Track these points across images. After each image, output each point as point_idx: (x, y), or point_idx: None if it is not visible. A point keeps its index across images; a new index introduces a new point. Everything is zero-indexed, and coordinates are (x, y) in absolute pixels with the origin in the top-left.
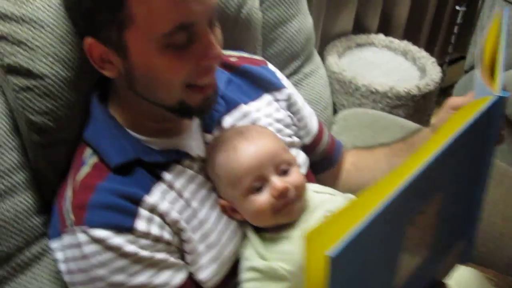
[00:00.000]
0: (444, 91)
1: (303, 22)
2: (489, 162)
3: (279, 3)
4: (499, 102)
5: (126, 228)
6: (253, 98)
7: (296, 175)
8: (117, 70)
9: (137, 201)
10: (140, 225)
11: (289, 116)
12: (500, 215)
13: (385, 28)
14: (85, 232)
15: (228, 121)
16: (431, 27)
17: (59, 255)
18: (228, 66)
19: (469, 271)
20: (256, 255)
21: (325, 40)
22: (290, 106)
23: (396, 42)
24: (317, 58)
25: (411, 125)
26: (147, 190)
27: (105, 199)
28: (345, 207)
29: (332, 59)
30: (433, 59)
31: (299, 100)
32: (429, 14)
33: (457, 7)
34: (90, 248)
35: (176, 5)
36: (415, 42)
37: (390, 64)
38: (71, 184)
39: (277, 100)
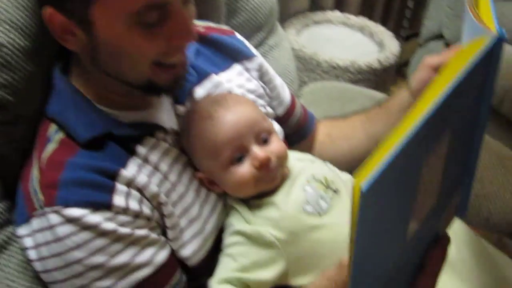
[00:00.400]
0: (399, 67)
1: None
2: (487, 108)
3: None
4: (499, 42)
5: (103, 205)
6: (222, 68)
7: (277, 143)
8: (80, 43)
9: (113, 175)
10: (118, 200)
11: (262, 86)
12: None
13: (341, 4)
14: (57, 212)
15: (199, 92)
16: (385, 3)
17: (28, 242)
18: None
19: (459, 224)
20: (242, 219)
21: (282, 18)
22: (262, 75)
23: (352, 18)
24: (280, 30)
25: (379, 95)
26: (123, 164)
27: (78, 175)
28: (379, 147)
29: (291, 36)
30: (390, 33)
31: (270, 69)
32: None
33: None
34: (64, 229)
35: None
36: (370, 18)
37: (348, 40)
38: (36, 163)
39: (247, 70)
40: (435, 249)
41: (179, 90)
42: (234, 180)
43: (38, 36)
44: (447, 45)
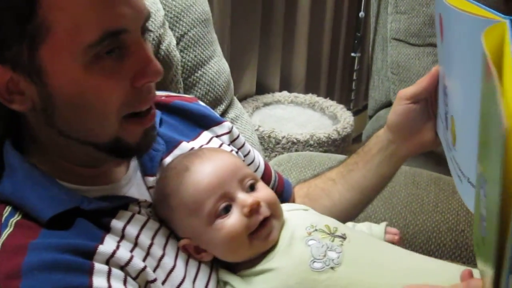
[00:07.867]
0: (352, 141)
1: (221, 64)
2: None
3: (195, 44)
4: None
5: None
6: (191, 137)
7: (265, 190)
8: (31, 101)
9: (89, 254)
10: (98, 282)
11: (235, 151)
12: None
13: (286, 85)
14: None
15: (169, 161)
16: (329, 78)
17: None
18: (157, 105)
19: None
20: None
21: None
22: (233, 140)
23: (301, 96)
24: (238, 103)
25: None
26: (98, 240)
27: (46, 257)
28: None
29: None
30: (341, 106)
31: (240, 134)
32: (325, 66)
33: (353, 54)
34: None
35: (103, 8)
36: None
37: (301, 117)
38: None
39: (217, 136)
40: None
41: (148, 161)
42: (224, 235)
43: None
44: None
